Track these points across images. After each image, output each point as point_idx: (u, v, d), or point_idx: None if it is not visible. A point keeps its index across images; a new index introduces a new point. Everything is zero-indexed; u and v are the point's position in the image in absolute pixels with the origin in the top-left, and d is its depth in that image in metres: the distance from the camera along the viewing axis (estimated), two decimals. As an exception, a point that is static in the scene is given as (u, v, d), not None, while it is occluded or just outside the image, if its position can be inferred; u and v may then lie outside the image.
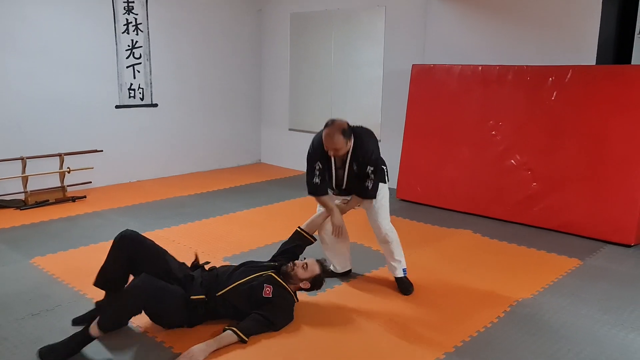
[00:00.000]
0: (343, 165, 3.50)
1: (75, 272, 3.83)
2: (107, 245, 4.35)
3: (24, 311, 3.24)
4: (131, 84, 6.58)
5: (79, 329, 2.77)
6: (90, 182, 6.21)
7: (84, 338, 2.68)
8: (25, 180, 5.56)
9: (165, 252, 3.14)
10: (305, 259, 3.32)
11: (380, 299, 3.52)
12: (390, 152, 6.45)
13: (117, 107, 6.48)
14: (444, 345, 2.92)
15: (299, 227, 3.58)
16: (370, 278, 3.88)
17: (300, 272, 3.20)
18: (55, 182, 5.84)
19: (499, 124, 5.34)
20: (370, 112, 6.83)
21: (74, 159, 5.98)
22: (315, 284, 3.24)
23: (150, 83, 6.76)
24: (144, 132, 6.78)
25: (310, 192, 3.55)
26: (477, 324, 3.18)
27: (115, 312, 2.73)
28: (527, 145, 5.16)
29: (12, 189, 5.59)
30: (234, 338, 2.82)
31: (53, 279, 3.73)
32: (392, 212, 5.60)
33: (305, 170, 3.57)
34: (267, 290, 3.05)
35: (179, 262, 3.17)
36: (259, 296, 3.02)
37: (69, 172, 5.82)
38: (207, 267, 3.27)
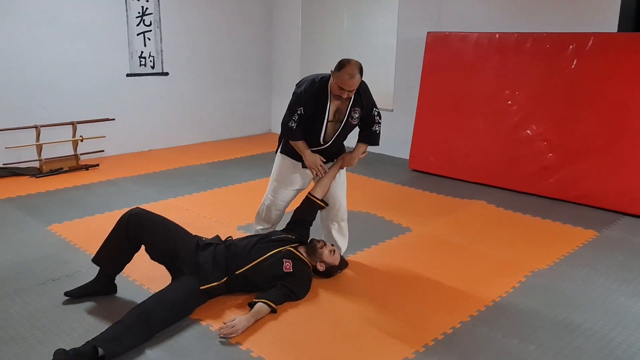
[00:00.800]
0: (340, 115, 3.27)
1: (92, 238, 3.84)
2: (121, 212, 4.44)
3: (45, 276, 3.28)
4: (142, 52, 6.52)
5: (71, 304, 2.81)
6: (103, 151, 6.21)
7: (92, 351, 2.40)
8: (39, 148, 5.57)
9: (175, 231, 3.04)
10: (333, 245, 3.35)
11: (393, 268, 3.53)
12: (403, 122, 6.42)
13: (128, 75, 6.43)
14: (459, 314, 2.94)
15: (309, 194, 3.53)
16: (385, 247, 3.88)
17: (326, 254, 3.23)
18: (68, 151, 5.85)
19: (515, 94, 5.25)
20: (383, 82, 6.74)
21: (87, 127, 5.97)
22: (329, 272, 3.27)
23: (161, 51, 6.69)
24: (155, 100, 6.74)
25: (286, 135, 3.33)
26: (492, 293, 3.19)
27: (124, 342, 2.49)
28: (543, 116, 5.09)
29: (27, 156, 5.61)
30: (267, 309, 2.84)
31: (71, 246, 3.76)
32: (405, 182, 5.63)
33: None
34: (287, 265, 3.06)
35: (192, 237, 3.09)
36: (279, 272, 3.04)
37: (81, 141, 5.82)
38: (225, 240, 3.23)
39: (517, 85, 5.24)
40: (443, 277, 3.40)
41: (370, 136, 3.45)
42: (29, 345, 2.57)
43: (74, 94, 5.98)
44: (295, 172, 3.45)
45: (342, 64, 3.09)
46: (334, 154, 3.49)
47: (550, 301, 3.12)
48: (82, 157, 5.94)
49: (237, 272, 3.00)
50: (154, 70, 6.69)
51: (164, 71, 6.77)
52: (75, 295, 2.98)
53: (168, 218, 3.10)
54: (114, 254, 2.98)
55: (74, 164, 5.80)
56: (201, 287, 2.87)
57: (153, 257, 3.00)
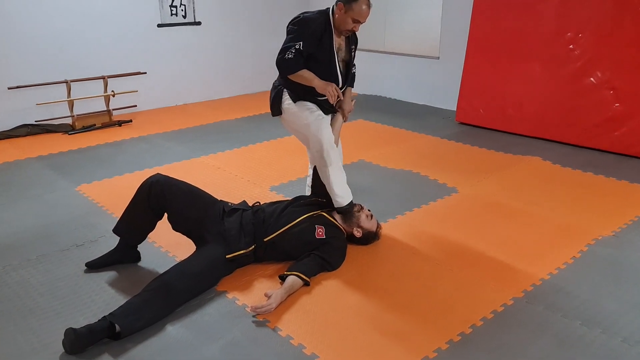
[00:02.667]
0: (342, 53, 3.05)
1: (120, 200, 3.65)
2: (152, 172, 4.25)
3: (69, 241, 3.14)
4: (172, 1, 6.20)
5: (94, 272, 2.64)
6: (136, 106, 6.04)
7: (107, 329, 2.24)
8: (70, 104, 5.44)
9: (200, 198, 2.82)
10: (369, 210, 3.07)
11: (436, 234, 3.22)
12: (450, 69, 5.94)
13: (159, 25, 6.16)
14: (511, 290, 2.62)
15: None
16: (427, 210, 3.56)
17: (363, 219, 2.98)
18: (101, 106, 5.70)
19: (579, 36, 4.69)
20: (428, 25, 6.22)
21: (118, 81, 5.78)
22: (366, 238, 3.01)
23: (193, -1, 6.36)
24: (188, 52, 6.47)
25: (286, 69, 2.94)
26: (548, 265, 2.84)
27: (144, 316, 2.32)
28: (610, 61, 4.53)
29: (60, 113, 5.49)
30: (300, 282, 2.60)
31: (97, 208, 3.62)
32: (451, 136, 5.22)
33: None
34: (320, 231, 2.81)
35: (218, 203, 2.86)
36: (311, 238, 2.79)
37: (113, 96, 5.65)
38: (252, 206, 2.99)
39: (581, 25, 4.66)
40: (492, 245, 3.07)
41: (352, 78, 3.23)
42: (46, 317, 2.43)
43: (104, 47, 5.77)
44: (317, 110, 3.12)
45: None
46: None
47: (617, 275, 2.76)
48: (114, 113, 5.79)
49: (265, 240, 2.77)
50: (186, 20, 6.38)
51: (196, 21, 6.45)
52: (96, 266, 2.82)
53: (192, 183, 2.88)
54: (135, 224, 2.79)
55: (106, 120, 5.65)
56: (227, 256, 2.65)
57: (175, 228, 2.79)
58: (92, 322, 2.24)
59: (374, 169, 4.30)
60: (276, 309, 2.46)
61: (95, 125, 5.56)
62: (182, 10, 6.31)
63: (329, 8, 2.96)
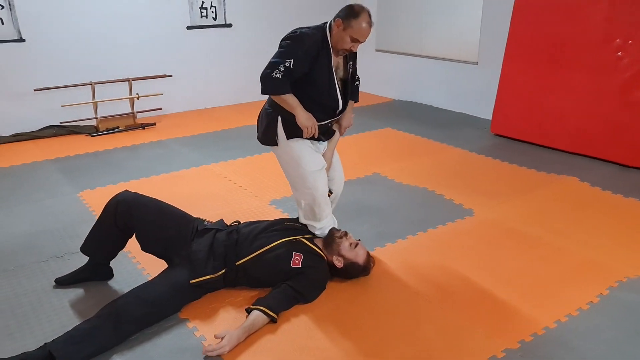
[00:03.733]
0: (340, 72, 2.71)
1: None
2: (158, 179, 4.15)
3: (50, 252, 3.05)
4: (202, 2, 6.11)
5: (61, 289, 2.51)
6: (161, 109, 5.99)
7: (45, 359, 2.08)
8: (95, 106, 5.45)
9: (170, 217, 2.63)
10: (359, 240, 2.74)
11: (434, 264, 2.88)
12: (490, 75, 5.52)
13: (188, 28, 6.08)
14: (506, 339, 2.27)
15: None
16: (432, 236, 3.22)
17: (345, 247, 2.63)
18: (127, 109, 5.69)
19: (628, 43, 4.17)
20: (468, 28, 5.81)
21: (144, 84, 5.75)
22: (349, 271, 2.65)
23: (224, 1, 6.24)
24: (217, 54, 6.36)
25: (271, 88, 2.56)
26: (559, 310, 2.45)
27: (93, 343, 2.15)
28: (664, 71, 4.00)
29: (87, 114, 5.52)
30: (265, 319, 2.33)
31: (91, 217, 3.51)
32: (483, 150, 4.81)
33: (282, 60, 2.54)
34: (297, 259, 2.54)
35: (190, 222, 2.65)
36: (286, 267, 2.53)
37: (137, 99, 5.62)
38: (230, 225, 2.78)
39: (631, 31, 4.15)
40: (498, 280, 2.70)
41: (356, 91, 2.91)
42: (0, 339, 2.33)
43: (130, 49, 5.75)
44: (313, 150, 2.79)
45: (357, 11, 2.51)
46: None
47: (638, 329, 2.34)
48: (139, 116, 5.76)
49: (237, 264, 2.54)
50: (216, 22, 6.28)
51: (227, 23, 6.34)
52: (65, 283, 2.69)
53: (193, 193, 2.77)
54: (103, 243, 2.64)
55: (130, 123, 5.63)
56: (191, 281, 2.44)
57: (144, 248, 2.61)
58: (30, 350, 2.10)
59: (386, 185, 3.99)
60: (236, 348, 2.22)
61: (118, 127, 5.55)
62: (212, 12, 6.21)
63: (326, 23, 2.64)
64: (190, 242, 2.57)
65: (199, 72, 6.26)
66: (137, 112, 5.70)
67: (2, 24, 5.11)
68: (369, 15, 2.53)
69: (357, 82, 2.92)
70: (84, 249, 2.65)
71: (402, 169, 4.30)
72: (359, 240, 2.74)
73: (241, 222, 2.86)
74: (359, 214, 3.51)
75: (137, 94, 5.61)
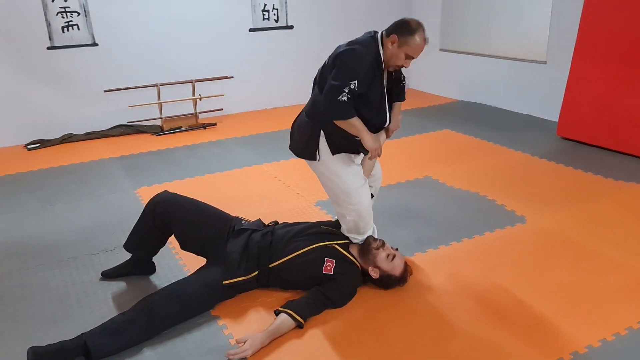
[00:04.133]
0: (389, 80, 2.60)
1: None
2: (211, 178, 4.27)
3: (102, 246, 3.21)
4: (265, 5, 6.21)
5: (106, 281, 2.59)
6: (222, 110, 6.15)
7: (81, 348, 2.17)
8: (160, 106, 5.68)
9: (207, 217, 2.68)
10: (397, 249, 2.66)
11: (478, 274, 2.76)
12: (559, 75, 5.22)
13: (250, 30, 6.21)
14: (557, 352, 2.13)
15: None
16: (478, 243, 3.08)
17: (382, 259, 2.55)
18: (190, 109, 5.90)
19: None
20: (536, 25, 5.52)
21: (206, 85, 5.93)
22: (385, 282, 2.58)
23: (286, 3, 6.31)
24: (278, 56, 6.45)
25: (339, 114, 2.43)
26: (606, 328, 2.27)
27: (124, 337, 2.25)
28: None
29: (153, 114, 5.76)
30: (292, 323, 2.32)
31: (144, 213, 3.68)
32: (547, 154, 4.55)
33: (336, 84, 2.38)
34: (329, 265, 2.52)
35: (227, 222, 2.68)
36: (317, 273, 2.51)
37: (200, 99, 5.80)
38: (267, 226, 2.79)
39: None
40: (543, 293, 2.54)
41: (402, 91, 2.74)
42: (41, 325, 2.47)
43: (194, 52, 5.94)
44: (354, 163, 2.73)
45: (413, 28, 2.40)
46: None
47: (698, 354, 2.12)
48: (201, 116, 5.95)
49: (270, 266, 2.56)
50: (278, 24, 6.36)
51: (289, 25, 6.41)
52: (110, 276, 2.82)
53: (200, 200, 2.77)
54: (143, 241, 2.74)
55: (193, 123, 5.83)
56: (224, 282, 2.48)
57: (183, 247, 2.69)
58: (67, 339, 2.21)
59: (437, 189, 3.87)
60: (261, 351, 2.21)
61: (181, 127, 5.75)
62: (274, 14, 6.30)
63: (375, 36, 2.51)
64: (225, 242, 2.61)
65: (260, 73, 6.37)
66: (200, 113, 5.89)
67: (79, 29, 5.45)
68: (424, 31, 2.43)
69: (403, 82, 2.80)
70: (126, 246, 2.76)
71: (456, 172, 4.15)
72: (397, 249, 2.67)
73: (279, 222, 2.87)
74: (403, 217, 3.42)
75: (199, 95, 5.80)
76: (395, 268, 2.56)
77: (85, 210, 3.75)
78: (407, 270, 2.62)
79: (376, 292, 2.60)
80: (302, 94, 6.61)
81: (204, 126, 5.81)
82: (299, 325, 2.34)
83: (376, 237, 2.76)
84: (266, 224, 2.82)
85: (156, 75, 5.73)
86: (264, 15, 6.25)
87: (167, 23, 5.75)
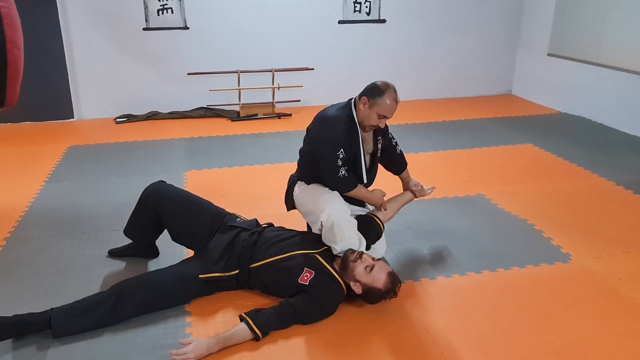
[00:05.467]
0: (368, 146, 2.69)
1: (202, 191, 3.75)
2: (255, 169, 4.26)
3: (125, 223, 3.31)
4: (357, -3, 6.04)
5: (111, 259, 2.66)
6: (299, 101, 6.11)
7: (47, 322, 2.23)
8: (239, 92, 5.79)
9: (197, 210, 2.65)
10: (380, 259, 2.48)
11: (493, 312, 2.40)
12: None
13: (339, 22, 6.07)
14: None
15: (370, 213, 2.79)
16: (506, 277, 2.70)
17: (359, 272, 2.35)
18: (267, 98, 5.94)
19: None
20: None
21: (286, 75, 5.92)
22: (369, 297, 2.37)
23: (379, -5, 6.08)
24: (366, 50, 6.24)
25: (342, 189, 2.60)
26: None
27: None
28: None
29: (231, 100, 5.89)
30: (248, 334, 2.20)
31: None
32: (633, 184, 3.86)
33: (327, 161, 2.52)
34: (306, 276, 2.36)
35: (219, 217, 2.64)
36: (293, 281, 2.37)
37: (278, 89, 5.81)
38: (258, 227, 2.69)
39: None
40: (551, 351, 2.15)
41: (401, 160, 2.93)
42: (33, 293, 2.58)
43: (277, 41, 5.95)
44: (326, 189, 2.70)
45: (382, 89, 2.50)
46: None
47: None
48: (278, 106, 5.96)
49: (251, 266, 2.46)
50: (369, 17, 6.15)
51: (381, 18, 6.17)
52: (116, 255, 2.90)
53: (192, 193, 2.72)
54: (141, 229, 2.76)
55: (269, 112, 5.86)
56: (200, 276, 2.43)
57: (173, 239, 2.69)
58: (36, 312, 2.27)
59: (483, 209, 3.47)
60: (205, 356, 2.11)
61: (257, 115, 5.81)
62: (366, 7, 6.10)
63: (351, 101, 2.62)
64: (210, 238, 2.55)
65: (344, 66, 6.21)
66: (277, 102, 5.90)
67: (172, 12, 5.71)
68: (395, 92, 2.51)
69: (398, 148, 2.89)
70: (125, 231, 2.81)
71: (515, 194, 3.70)
72: (380, 259, 2.45)
73: (274, 225, 2.75)
74: (428, 235, 3.12)
75: (278, 84, 5.80)
76: (375, 280, 2.34)
77: (130, 186, 3.90)
78: (393, 281, 2.37)
79: (355, 313, 2.38)
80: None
81: (279, 116, 5.81)
82: (255, 338, 2.21)
83: (364, 251, 2.54)
84: (262, 225, 2.72)
85: (238, 61, 5.83)
86: (355, 7, 6.07)
87: (257, 10, 5.81)
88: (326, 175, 2.55)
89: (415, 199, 2.93)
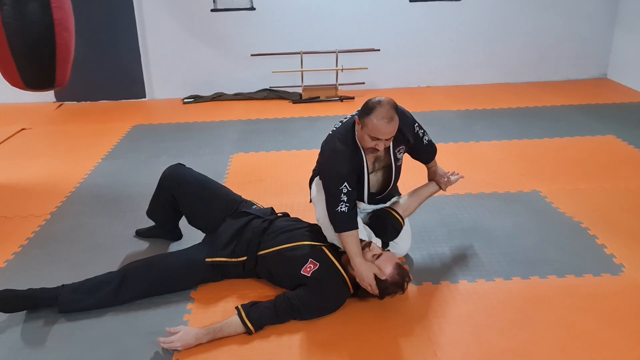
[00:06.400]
0: (380, 161, 2.43)
1: (247, 173, 3.74)
2: (301, 154, 4.18)
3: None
4: (430, -26, 5.67)
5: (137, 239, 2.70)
6: (364, 83, 5.89)
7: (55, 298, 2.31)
8: (301, 74, 5.70)
9: (212, 193, 2.62)
10: (388, 250, 2.33)
11: (535, 326, 2.15)
12: None
13: (411, 0, 5.76)
14: None
15: (389, 207, 2.59)
16: (543, 286, 2.40)
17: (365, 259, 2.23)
18: (331, 80, 5.80)
19: None
20: None
21: (350, 57, 5.73)
22: (378, 288, 2.22)
23: (455, -29, 5.67)
24: (439, 30, 5.86)
25: (337, 225, 2.28)
26: None
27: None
28: None
29: (296, 81, 5.82)
30: (240, 327, 2.13)
31: (223, 178, 3.73)
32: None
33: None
34: (309, 267, 2.26)
35: (234, 203, 2.60)
36: (296, 272, 2.27)
37: (341, 71, 5.65)
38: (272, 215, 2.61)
39: None
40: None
41: (432, 148, 2.62)
42: (57, 267, 2.69)
43: (343, 21, 5.74)
44: None
45: (370, 107, 2.20)
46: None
47: None
48: (341, 88, 5.80)
49: (258, 253, 2.39)
50: (445, -5, 5.77)
51: (457, -5, 5.77)
52: (142, 235, 2.95)
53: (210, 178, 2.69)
54: (161, 211, 2.78)
55: (332, 94, 5.72)
56: (206, 259, 2.40)
57: (189, 223, 2.69)
58: (49, 287, 2.35)
59: (534, 208, 3.12)
60: (195, 347, 2.08)
61: (319, 97, 5.70)
62: (440, -17, 5.72)
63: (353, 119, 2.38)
64: (221, 222, 2.51)
65: (414, 48, 5.89)
66: (340, 85, 5.75)
67: (240, -7, 5.72)
68: (389, 109, 2.17)
69: (425, 138, 2.56)
70: (148, 212, 2.85)
71: (576, 192, 3.31)
72: (388, 250, 2.29)
73: (290, 215, 2.64)
74: (462, 233, 2.87)
75: (341, 66, 5.64)
76: (381, 270, 2.18)
77: (176, 167, 3.97)
78: (400, 274, 2.20)
79: (359, 312, 2.23)
80: (462, 74, 6.02)
81: (341, 99, 5.65)
82: (247, 332, 2.13)
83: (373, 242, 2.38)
84: (277, 214, 2.63)
85: (302, 43, 5.73)
86: (428, -16, 5.72)
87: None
88: (327, 207, 2.33)
89: (442, 191, 2.69)
